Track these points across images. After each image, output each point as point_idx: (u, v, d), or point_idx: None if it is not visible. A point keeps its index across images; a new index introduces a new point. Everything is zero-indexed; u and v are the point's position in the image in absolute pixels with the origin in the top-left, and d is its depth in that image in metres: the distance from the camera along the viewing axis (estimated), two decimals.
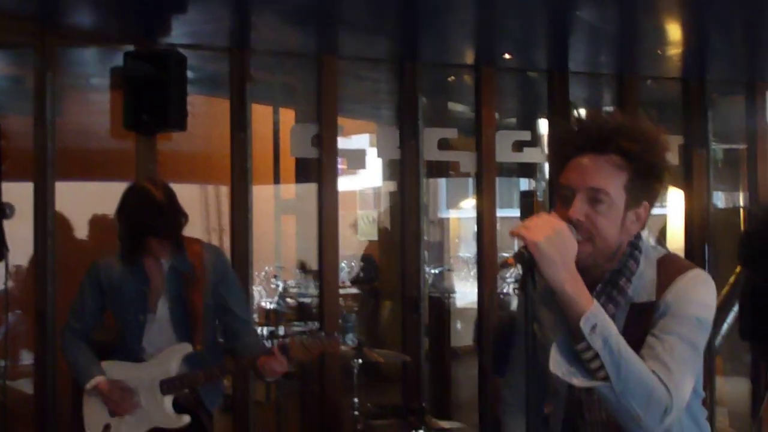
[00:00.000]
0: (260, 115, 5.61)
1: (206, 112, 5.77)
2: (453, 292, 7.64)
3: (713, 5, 4.48)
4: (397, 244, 5.57)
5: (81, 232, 5.04)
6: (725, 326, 6.16)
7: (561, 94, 5.77)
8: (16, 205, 3.91)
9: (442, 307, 7.08)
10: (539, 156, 5.85)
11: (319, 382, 5.18)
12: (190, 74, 4.75)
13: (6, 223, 3.86)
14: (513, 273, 7.24)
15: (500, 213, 5.74)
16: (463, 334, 7.64)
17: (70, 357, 3.50)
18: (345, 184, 5.76)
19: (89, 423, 3.41)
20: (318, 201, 5.23)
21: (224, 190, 5.64)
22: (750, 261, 5.35)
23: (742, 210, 6.78)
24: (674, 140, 5.94)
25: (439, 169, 7.13)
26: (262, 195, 6.12)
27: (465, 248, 9.50)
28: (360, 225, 8.88)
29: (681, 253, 5.52)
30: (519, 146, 5.72)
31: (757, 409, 5.40)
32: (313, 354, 3.28)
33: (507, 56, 5.53)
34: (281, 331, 6.87)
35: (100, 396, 3.36)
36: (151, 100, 4.55)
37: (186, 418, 3.32)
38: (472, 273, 7.21)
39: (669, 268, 1.96)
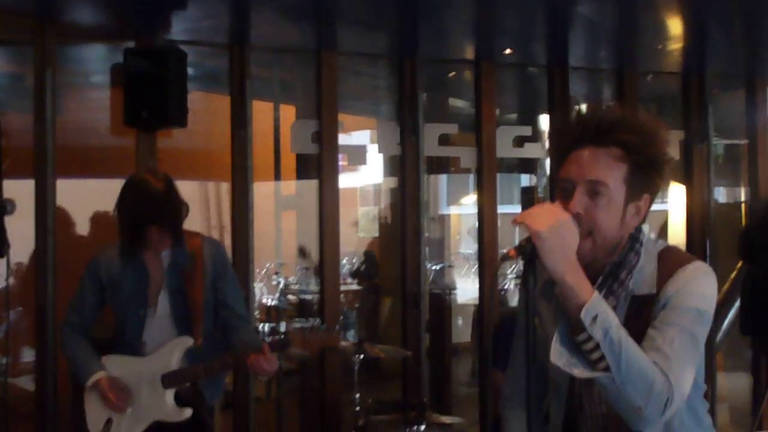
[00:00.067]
0: (261, 111, 5.60)
1: (206, 109, 5.77)
2: (454, 288, 7.63)
3: (713, 0, 4.48)
4: (398, 241, 5.58)
5: (81, 229, 5.04)
6: (726, 322, 6.16)
7: (561, 90, 5.78)
8: (17, 203, 3.91)
9: (442, 303, 7.08)
10: (540, 151, 5.86)
11: (320, 378, 5.18)
12: (190, 71, 4.74)
13: (7, 220, 3.86)
14: (514, 269, 7.26)
15: (501, 209, 5.74)
16: (463, 330, 7.64)
17: (70, 352, 3.50)
18: (345, 181, 5.76)
19: (91, 418, 3.41)
20: (318, 197, 5.23)
21: (225, 187, 5.62)
22: (751, 256, 5.34)
23: (743, 205, 6.78)
24: (675, 135, 5.94)
25: (440, 166, 7.13)
26: (263, 192, 6.11)
27: (466, 245, 9.49)
28: (360, 222, 8.89)
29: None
30: (520, 142, 5.73)
31: (757, 404, 5.39)
32: (314, 348, 3.29)
33: (507, 52, 5.53)
34: (282, 327, 6.86)
35: (99, 393, 3.36)
36: (151, 96, 4.54)
37: (188, 412, 3.32)
38: (473, 269, 7.21)
39: (670, 261, 1.96)
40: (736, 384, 6.36)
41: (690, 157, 6.13)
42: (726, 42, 5.47)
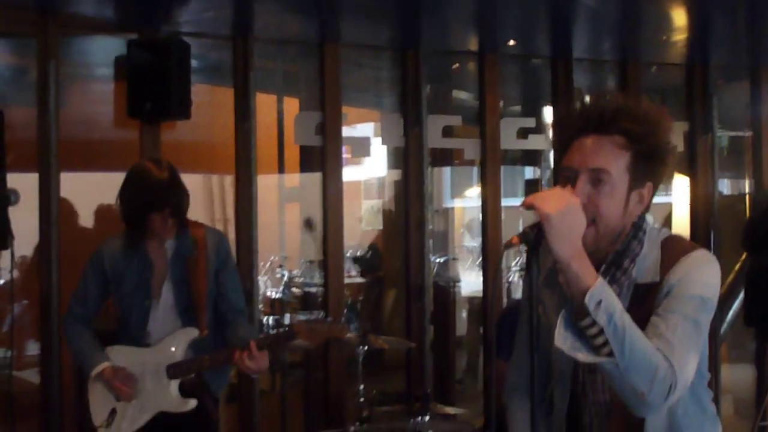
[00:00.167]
0: (264, 104, 5.60)
1: (210, 102, 5.77)
2: (458, 281, 7.64)
3: None
4: (402, 233, 5.58)
5: (85, 221, 5.05)
6: (731, 313, 6.16)
7: (565, 81, 5.77)
8: (21, 196, 3.91)
9: (446, 296, 7.08)
10: (544, 143, 5.85)
11: (324, 370, 5.19)
12: (193, 63, 4.75)
13: (11, 213, 3.87)
14: (518, 261, 7.25)
15: (505, 202, 5.73)
16: (467, 322, 7.64)
17: (74, 343, 3.50)
18: (349, 174, 5.77)
19: (95, 409, 3.41)
20: (322, 189, 5.24)
21: (228, 180, 5.64)
22: (754, 247, 5.35)
23: (747, 197, 6.77)
24: (679, 127, 5.93)
25: (444, 158, 7.12)
26: (267, 184, 6.11)
27: (470, 238, 9.49)
28: (364, 215, 8.89)
29: None
30: (524, 133, 5.72)
31: (762, 396, 5.39)
32: (320, 339, 3.28)
33: (511, 43, 5.52)
34: (287, 320, 6.88)
35: (104, 382, 3.37)
36: (155, 88, 4.54)
37: (192, 403, 3.32)
38: (477, 262, 7.21)
39: (673, 249, 1.96)
40: (740, 375, 6.36)
41: (694, 149, 6.12)
42: (730, 33, 5.45)
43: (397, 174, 6.20)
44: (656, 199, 2.02)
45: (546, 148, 6.07)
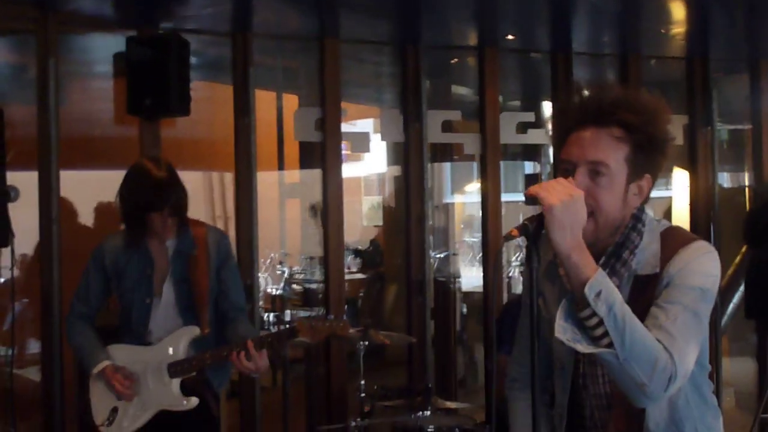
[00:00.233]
0: (264, 101, 5.61)
1: (209, 98, 5.78)
2: (458, 276, 7.65)
3: None
4: (402, 228, 5.58)
5: (86, 219, 5.05)
6: (731, 306, 6.16)
7: (564, 75, 5.76)
8: (22, 195, 3.91)
9: (447, 291, 7.09)
10: (543, 137, 5.85)
11: (326, 366, 5.20)
12: (192, 60, 4.74)
13: (11, 212, 3.86)
14: (519, 256, 7.24)
15: (505, 197, 5.73)
16: (468, 318, 7.65)
17: (75, 341, 3.50)
18: (349, 170, 5.77)
19: (96, 407, 3.41)
20: (322, 185, 5.23)
21: (228, 178, 5.64)
22: (755, 239, 5.36)
23: (747, 189, 6.76)
24: (678, 120, 5.93)
25: (444, 154, 7.13)
26: (267, 181, 6.12)
27: (470, 233, 9.50)
28: (365, 211, 8.90)
29: None
30: (523, 128, 5.72)
31: (763, 389, 5.40)
32: (321, 337, 3.27)
33: (510, 37, 5.52)
34: (287, 316, 6.89)
35: (105, 381, 3.37)
36: (154, 84, 4.55)
37: (194, 401, 3.32)
38: (477, 258, 7.21)
39: (672, 240, 1.96)
40: (741, 368, 6.37)
41: (694, 143, 6.12)
42: (729, 25, 5.44)
43: (397, 170, 6.20)
44: (656, 193, 2.02)
45: (546, 142, 6.07)
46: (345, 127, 5.34)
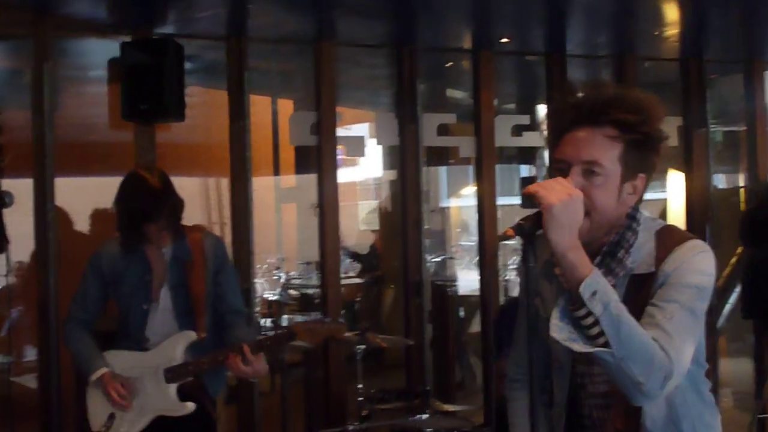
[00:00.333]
0: (259, 106, 5.60)
1: (205, 104, 5.78)
2: (455, 280, 7.65)
3: None
4: (399, 232, 5.58)
5: (82, 225, 5.04)
6: (728, 306, 6.17)
7: (559, 77, 5.76)
8: (17, 202, 3.89)
9: (444, 294, 7.09)
10: (538, 140, 5.85)
11: (324, 370, 5.19)
12: (187, 65, 4.74)
13: (7, 219, 3.85)
14: (515, 259, 7.25)
15: (501, 201, 5.74)
16: (465, 321, 7.65)
17: (73, 347, 3.49)
18: (345, 175, 5.77)
19: (93, 413, 3.40)
20: (318, 189, 5.24)
21: (224, 183, 5.63)
22: (751, 239, 5.36)
23: (742, 190, 6.77)
24: (673, 121, 5.94)
25: (440, 157, 7.14)
26: (263, 186, 6.11)
27: (466, 237, 9.51)
28: (361, 215, 8.90)
29: None
30: (518, 130, 5.73)
31: (760, 389, 5.40)
32: (318, 339, 3.27)
33: (505, 40, 5.53)
34: (284, 322, 6.88)
35: (103, 388, 3.36)
36: (149, 89, 4.54)
37: (191, 406, 3.32)
38: (473, 261, 7.21)
39: (668, 239, 1.96)
40: (738, 369, 6.37)
41: (689, 144, 6.13)
42: (724, 27, 5.46)
43: (393, 174, 6.21)
44: (651, 195, 2.02)
45: (541, 144, 6.07)
46: (340, 132, 5.34)
